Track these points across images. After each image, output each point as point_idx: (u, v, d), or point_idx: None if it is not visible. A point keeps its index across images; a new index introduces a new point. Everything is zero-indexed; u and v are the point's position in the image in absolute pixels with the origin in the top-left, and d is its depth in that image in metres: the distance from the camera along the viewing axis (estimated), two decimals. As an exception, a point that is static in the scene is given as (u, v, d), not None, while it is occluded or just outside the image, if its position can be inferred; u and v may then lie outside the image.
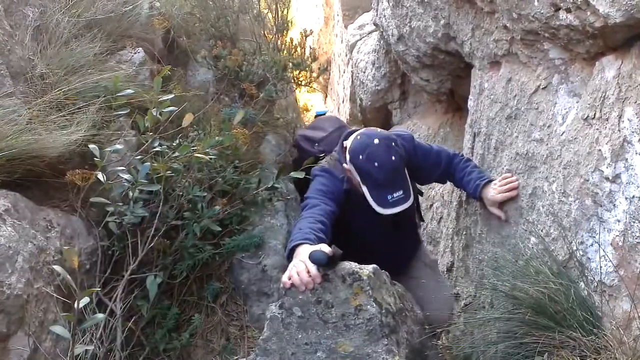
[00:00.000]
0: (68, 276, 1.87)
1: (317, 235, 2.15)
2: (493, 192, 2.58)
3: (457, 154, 2.88)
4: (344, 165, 2.53)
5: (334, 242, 2.75)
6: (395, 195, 2.37)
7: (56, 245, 2.55)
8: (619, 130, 1.78)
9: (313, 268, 1.94)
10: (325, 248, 1.97)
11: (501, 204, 2.58)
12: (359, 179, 2.45)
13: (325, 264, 1.93)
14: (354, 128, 2.74)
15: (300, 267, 1.96)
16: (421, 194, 3.13)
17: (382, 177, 2.35)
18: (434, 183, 3.43)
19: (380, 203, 2.38)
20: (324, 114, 3.87)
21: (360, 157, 2.39)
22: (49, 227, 2.59)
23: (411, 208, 2.63)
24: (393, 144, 2.43)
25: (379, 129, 2.57)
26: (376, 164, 2.35)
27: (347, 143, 2.53)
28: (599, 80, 1.95)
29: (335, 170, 2.60)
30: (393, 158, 2.38)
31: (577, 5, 1.82)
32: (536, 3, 2.13)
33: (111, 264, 2.90)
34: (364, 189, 2.42)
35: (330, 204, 2.44)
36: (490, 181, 2.64)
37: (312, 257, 1.93)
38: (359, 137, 2.47)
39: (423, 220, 3.41)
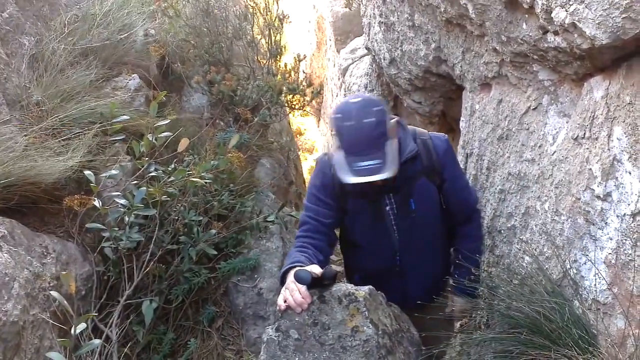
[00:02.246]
0: (65, 302, 1.88)
1: (309, 258, 2.14)
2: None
3: (478, 211, 2.59)
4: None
5: (345, 260, 2.70)
6: (366, 163, 2.04)
7: (52, 271, 2.55)
8: (609, 149, 1.80)
9: (303, 288, 1.95)
10: (315, 269, 1.97)
11: None
12: (337, 144, 2.16)
13: (308, 282, 1.91)
14: None
15: (292, 288, 1.96)
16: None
17: (352, 138, 2.07)
18: None
19: (346, 170, 2.08)
20: None
21: (338, 115, 2.14)
22: (45, 253, 2.58)
23: (426, 219, 2.36)
24: (374, 107, 2.11)
25: (372, 95, 2.36)
26: (348, 123, 2.09)
27: None
28: (588, 101, 1.99)
29: (328, 157, 2.37)
30: (368, 120, 2.06)
31: (564, 28, 1.86)
32: (524, 26, 2.18)
33: (107, 289, 2.89)
34: (340, 155, 2.11)
35: (320, 213, 2.30)
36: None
37: (296, 277, 1.93)
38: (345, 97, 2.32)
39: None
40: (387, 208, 2.34)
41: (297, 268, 1.97)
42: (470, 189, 2.58)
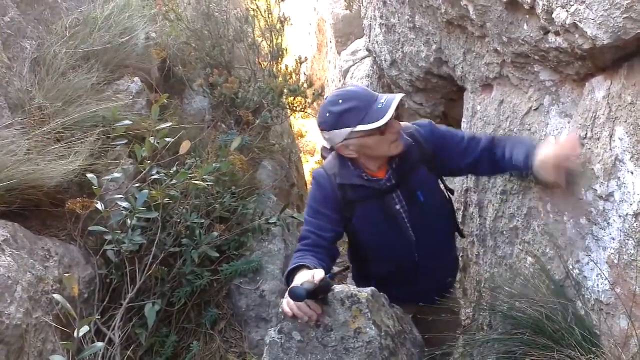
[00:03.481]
0: (67, 305, 1.88)
1: (313, 260, 2.10)
2: (541, 156, 2.06)
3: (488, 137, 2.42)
4: (337, 143, 2.22)
5: (358, 267, 2.63)
6: (382, 100, 2.10)
7: (54, 274, 2.55)
8: (611, 149, 1.81)
9: (310, 301, 1.93)
10: (318, 275, 1.94)
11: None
12: (346, 122, 2.14)
13: (303, 299, 1.87)
14: None
15: (298, 304, 1.91)
16: (452, 192, 2.62)
17: (361, 96, 2.13)
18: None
19: (374, 115, 2.08)
20: None
21: (336, 96, 2.17)
22: (48, 257, 2.59)
23: (432, 207, 2.35)
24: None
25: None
26: (347, 94, 2.15)
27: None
28: (589, 101, 1.99)
29: (326, 168, 2.36)
30: (363, 85, 2.20)
31: (565, 28, 1.86)
32: (525, 27, 2.18)
33: (109, 292, 2.89)
34: (358, 128, 2.11)
35: (321, 227, 2.26)
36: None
37: (291, 294, 1.87)
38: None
39: (462, 236, 2.81)
40: (397, 207, 2.31)
41: (294, 283, 1.93)
42: (470, 136, 2.44)
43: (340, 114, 2.13)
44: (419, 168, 2.32)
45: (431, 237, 2.38)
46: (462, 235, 2.79)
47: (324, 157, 2.68)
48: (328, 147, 2.47)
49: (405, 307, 2.37)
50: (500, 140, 2.33)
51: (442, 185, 2.52)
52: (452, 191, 2.60)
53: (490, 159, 2.31)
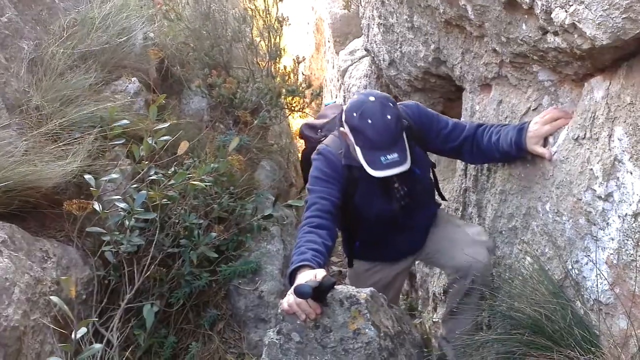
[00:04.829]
0: (65, 306, 1.87)
1: (316, 255, 2.10)
2: (536, 126, 2.26)
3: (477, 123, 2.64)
4: (341, 129, 2.41)
5: (345, 233, 2.79)
6: (389, 157, 2.20)
7: (52, 276, 2.54)
8: (610, 150, 1.80)
9: (311, 300, 1.93)
10: (319, 273, 1.95)
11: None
12: (353, 140, 2.30)
13: (309, 296, 1.89)
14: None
15: (298, 299, 1.94)
16: (434, 166, 2.81)
17: (375, 136, 2.21)
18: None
19: (373, 165, 2.22)
20: (333, 103, 3.60)
21: (355, 114, 2.26)
22: (45, 258, 2.58)
23: (424, 178, 2.59)
24: (390, 104, 2.28)
25: (378, 91, 2.41)
26: (369, 121, 2.22)
27: (345, 107, 2.40)
28: (588, 101, 1.98)
29: (332, 147, 2.48)
30: (388, 117, 2.22)
31: (564, 29, 1.85)
32: (524, 27, 2.18)
33: (107, 293, 2.89)
34: (358, 151, 2.27)
35: (329, 193, 2.34)
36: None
37: (296, 291, 1.89)
38: (356, 95, 2.36)
39: (444, 199, 3.09)
40: (396, 185, 2.49)
41: (298, 282, 1.94)
42: (455, 122, 2.64)
43: (355, 127, 2.26)
44: (414, 147, 2.43)
45: (419, 201, 2.62)
46: (443, 198, 3.04)
47: (303, 137, 2.95)
48: (318, 126, 2.81)
49: (391, 266, 2.83)
50: (485, 129, 2.52)
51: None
52: (434, 165, 2.81)
53: (474, 147, 2.52)
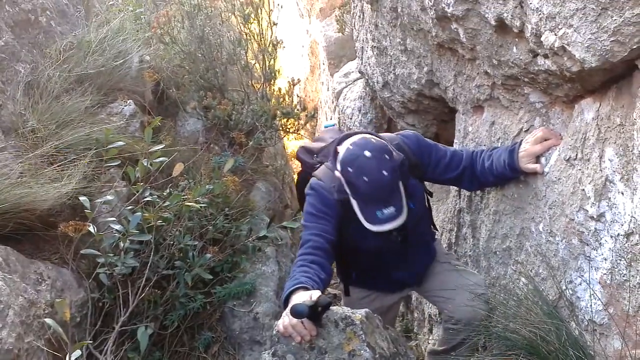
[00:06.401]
0: (60, 329, 1.86)
1: (311, 278, 2.12)
2: (527, 145, 2.31)
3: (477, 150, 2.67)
4: (336, 172, 2.36)
5: (341, 264, 2.80)
6: (385, 211, 2.19)
7: (47, 298, 2.53)
8: (601, 170, 1.83)
9: (306, 321, 1.93)
10: (315, 294, 1.95)
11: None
12: (349, 192, 2.30)
13: (305, 316, 1.89)
14: (351, 132, 2.50)
15: (293, 320, 1.94)
16: (431, 195, 2.81)
17: (371, 193, 2.20)
18: None
19: (369, 219, 2.23)
20: (332, 127, 3.56)
21: (350, 169, 2.23)
22: (40, 280, 2.57)
23: (419, 214, 2.56)
24: (386, 156, 2.24)
25: (374, 138, 2.36)
26: (365, 178, 2.19)
27: (340, 149, 2.36)
28: (579, 122, 2.01)
29: (325, 182, 2.44)
30: (385, 173, 2.18)
31: (554, 52, 1.89)
32: (515, 50, 2.21)
33: (102, 315, 2.86)
34: (354, 203, 2.28)
35: (323, 229, 2.33)
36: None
37: (293, 311, 1.89)
38: (350, 146, 2.29)
39: (436, 229, 3.06)
40: None
41: (293, 302, 1.93)
42: (454, 149, 2.70)
43: (351, 182, 2.26)
44: (409, 179, 2.44)
45: (415, 233, 2.55)
46: (435, 228, 2.99)
47: (300, 159, 2.91)
48: (315, 150, 2.75)
49: (387, 296, 2.85)
50: (477, 154, 2.56)
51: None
52: (431, 194, 2.81)
53: (471, 175, 2.55)
